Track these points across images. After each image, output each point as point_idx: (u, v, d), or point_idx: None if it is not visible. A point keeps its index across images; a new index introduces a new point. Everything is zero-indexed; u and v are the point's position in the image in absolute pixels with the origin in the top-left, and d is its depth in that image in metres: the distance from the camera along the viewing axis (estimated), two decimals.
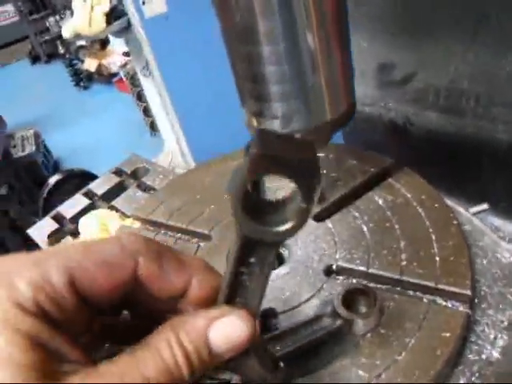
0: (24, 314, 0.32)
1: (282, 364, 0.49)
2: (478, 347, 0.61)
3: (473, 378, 0.58)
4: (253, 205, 0.38)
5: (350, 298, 0.59)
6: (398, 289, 0.66)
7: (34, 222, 3.46)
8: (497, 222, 1.00)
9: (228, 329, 0.38)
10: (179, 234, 0.82)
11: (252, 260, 0.41)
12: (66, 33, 2.96)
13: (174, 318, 0.38)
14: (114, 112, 5.07)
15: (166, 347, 0.35)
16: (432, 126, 1.16)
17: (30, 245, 3.30)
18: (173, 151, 2.50)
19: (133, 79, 4.21)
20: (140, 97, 4.23)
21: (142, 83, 3.27)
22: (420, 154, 1.22)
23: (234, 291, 0.41)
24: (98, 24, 2.85)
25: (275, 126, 0.61)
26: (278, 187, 0.66)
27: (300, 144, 0.37)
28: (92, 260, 0.37)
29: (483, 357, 0.60)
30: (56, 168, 4.43)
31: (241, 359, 0.42)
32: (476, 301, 0.66)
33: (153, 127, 4.33)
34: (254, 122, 0.63)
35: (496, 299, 0.67)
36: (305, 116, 0.60)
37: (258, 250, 0.40)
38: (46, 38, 6.55)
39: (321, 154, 0.88)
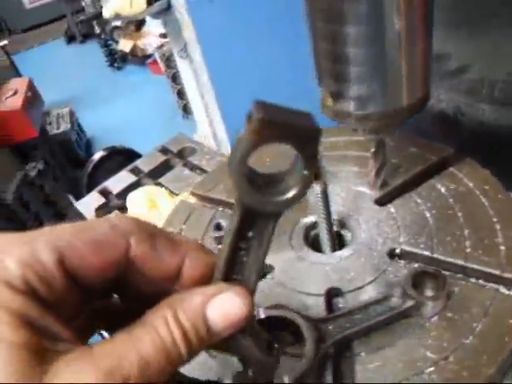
0: (13, 293, 0.31)
1: (276, 345, 0.48)
2: None
3: None
4: (254, 175, 0.37)
5: (418, 281, 0.60)
6: (461, 275, 0.66)
7: (66, 198, 3.52)
8: None
9: (226, 306, 0.37)
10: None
11: (251, 234, 0.40)
12: (107, 13, 2.98)
13: (171, 296, 0.37)
14: (146, 93, 5.10)
15: (163, 324, 0.34)
16: (484, 118, 1.15)
17: (61, 219, 3.36)
18: (205, 134, 2.52)
19: (168, 61, 4.23)
20: (175, 79, 4.25)
21: (178, 65, 3.28)
22: (470, 146, 1.21)
23: (231, 268, 0.41)
24: (139, 5, 2.87)
25: (351, 107, 0.62)
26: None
27: (301, 115, 0.36)
28: (82, 239, 0.36)
29: None
30: (88, 146, 4.50)
31: (237, 339, 0.41)
32: None
33: (186, 110, 4.35)
34: (330, 102, 0.64)
35: None
36: (382, 99, 0.61)
37: (257, 223, 0.39)
38: (82, 17, 6.60)
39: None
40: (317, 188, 0.66)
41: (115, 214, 1.36)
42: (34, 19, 7.58)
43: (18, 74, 4.19)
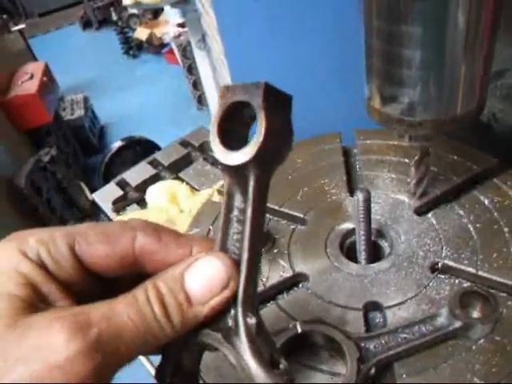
0: (26, 260, 0.38)
1: (283, 362, 0.40)
2: None
3: None
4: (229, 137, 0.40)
5: (465, 300, 0.57)
6: (505, 295, 0.63)
7: (78, 185, 3.51)
8: None
9: (204, 267, 0.38)
10: (270, 215, 0.80)
11: (240, 203, 0.41)
12: (127, 0, 2.95)
13: None
14: (161, 83, 5.07)
15: (142, 291, 0.37)
16: None
17: (71, 206, 3.34)
18: None
19: (184, 51, 4.19)
20: (190, 69, 4.21)
21: (196, 56, 3.24)
22: (502, 152, 1.17)
23: (225, 240, 0.41)
24: None
25: (403, 112, 0.59)
26: None
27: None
28: (93, 229, 0.41)
29: None
30: (101, 134, 4.48)
31: (225, 323, 0.39)
32: None
33: (200, 101, 4.32)
34: (379, 105, 0.61)
35: None
36: (436, 106, 0.58)
37: (242, 188, 0.41)
38: (99, 4, 6.58)
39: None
40: (359, 195, 0.63)
41: (133, 207, 1.33)
42: (51, 4, 7.55)
43: (34, 58, 4.17)
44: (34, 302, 0.36)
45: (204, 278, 0.38)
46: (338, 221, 0.74)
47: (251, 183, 0.40)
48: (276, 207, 0.79)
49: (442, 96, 0.56)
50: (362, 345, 0.55)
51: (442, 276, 0.66)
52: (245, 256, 0.40)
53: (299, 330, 0.56)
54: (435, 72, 0.55)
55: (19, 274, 0.37)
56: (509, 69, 1.12)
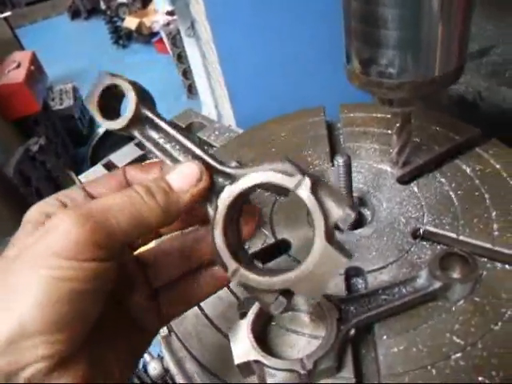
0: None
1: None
2: None
3: None
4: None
5: (445, 263, 0.57)
6: (486, 259, 0.63)
7: (68, 175, 3.49)
8: None
9: (181, 168, 0.43)
10: None
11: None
12: None
13: None
14: (151, 72, 5.02)
15: (131, 188, 0.41)
16: (505, 102, 1.11)
17: None
18: (211, 114, 2.47)
19: (174, 40, 4.16)
20: (180, 58, 4.19)
21: (185, 44, 3.22)
22: (488, 131, 1.18)
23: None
24: None
25: (382, 75, 0.58)
26: None
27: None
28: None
29: None
30: (91, 124, 4.45)
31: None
32: None
33: (191, 90, 4.30)
34: (357, 68, 0.60)
35: None
36: (415, 68, 0.57)
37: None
38: None
39: None
40: (339, 161, 0.62)
41: None
42: None
43: (21, 48, 4.12)
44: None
45: (181, 173, 0.43)
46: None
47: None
48: None
49: (420, 57, 0.56)
50: (343, 306, 0.55)
51: (424, 242, 0.66)
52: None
53: None
54: (412, 32, 0.54)
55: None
56: (493, 46, 1.12)
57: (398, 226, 0.67)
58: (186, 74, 4.23)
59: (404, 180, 0.74)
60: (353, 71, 0.62)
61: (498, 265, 0.61)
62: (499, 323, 0.54)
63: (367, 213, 0.72)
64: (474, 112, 1.18)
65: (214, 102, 2.69)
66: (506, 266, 0.61)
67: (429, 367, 0.52)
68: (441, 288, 0.55)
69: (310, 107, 0.93)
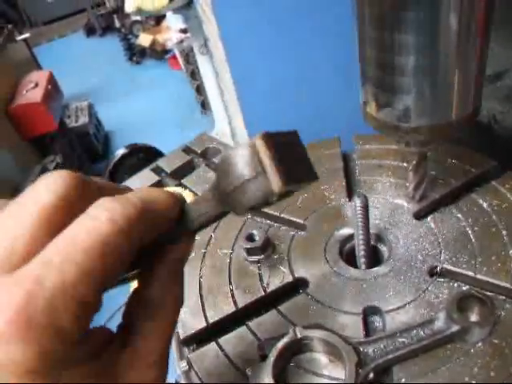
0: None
1: None
2: None
3: None
4: None
5: (463, 304, 0.57)
6: (504, 298, 0.63)
7: None
8: None
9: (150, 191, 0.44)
10: (270, 221, 0.81)
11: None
12: (129, 7, 2.97)
13: None
14: (165, 89, 5.09)
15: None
16: None
17: None
18: (224, 131, 2.49)
19: (187, 56, 4.21)
20: (193, 75, 4.23)
21: (198, 61, 3.25)
22: (503, 155, 1.17)
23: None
24: (162, 0, 2.84)
25: (398, 119, 0.59)
26: None
27: None
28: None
29: None
30: (106, 140, 4.51)
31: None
32: None
33: (204, 106, 4.34)
34: (374, 112, 0.61)
35: None
36: (431, 112, 0.58)
37: None
38: (102, 11, 6.61)
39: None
40: (357, 201, 0.63)
41: None
42: (56, 12, 7.61)
43: (39, 67, 4.20)
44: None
45: (149, 193, 0.42)
46: (338, 226, 0.75)
47: None
48: (276, 213, 0.80)
49: (436, 101, 0.57)
50: (361, 349, 0.56)
51: (441, 280, 0.66)
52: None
53: (298, 335, 0.57)
54: (428, 78, 0.55)
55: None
56: (508, 70, 1.12)
57: (415, 263, 0.67)
58: (200, 90, 4.27)
59: (420, 215, 0.75)
60: (369, 113, 0.63)
61: None
62: None
63: (384, 249, 0.72)
64: (489, 135, 1.18)
65: (228, 118, 2.71)
66: None
67: None
68: (459, 331, 0.56)
69: (325, 137, 0.94)
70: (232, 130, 2.55)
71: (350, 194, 0.82)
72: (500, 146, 1.19)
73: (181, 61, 4.40)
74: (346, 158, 0.91)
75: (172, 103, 4.83)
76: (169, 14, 3.64)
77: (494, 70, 1.14)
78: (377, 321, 0.64)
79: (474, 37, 0.54)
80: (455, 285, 0.65)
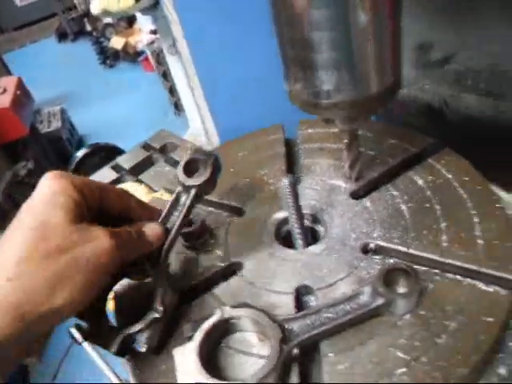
0: (76, 191, 0.57)
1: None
2: None
3: None
4: None
5: (390, 278, 0.57)
6: (437, 271, 0.63)
7: None
8: None
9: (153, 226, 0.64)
10: (211, 208, 0.81)
11: (182, 202, 0.69)
12: (95, 9, 2.94)
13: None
14: (139, 91, 5.05)
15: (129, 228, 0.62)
16: (470, 109, 1.12)
17: None
18: (197, 131, 2.48)
19: (159, 58, 4.19)
20: (166, 76, 4.21)
21: (169, 62, 3.24)
22: (456, 138, 1.18)
23: (165, 219, 0.68)
24: (127, 0, 2.82)
25: (318, 96, 0.59)
26: None
27: None
28: (111, 189, 0.66)
29: None
30: (80, 145, 4.46)
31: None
32: None
33: (177, 107, 4.32)
34: (297, 91, 0.61)
35: None
36: (350, 87, 0.58)
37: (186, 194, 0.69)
38: (74, 15, 6.54)
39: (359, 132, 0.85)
40: (284, 181, 0.63)
41: None
42: (26, 17, 7.51)
43: (9, 73, 4.15)
44: (80, 218, 0.56)
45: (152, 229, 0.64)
46: (275, 209, 0.75)
47: (191, 195, 0.67)
48: (215, 199, 0.79)
49: (353, 76, 0.57)
50: (287, 326, 0.55)
51: (375, 256, 0.66)
52: (173, 230, 0.66)
53: (225, 315, 0.56)
54: (342, 53, 0.55)
55: (72, 198, 0.56)
56: (455, 54, 1.13)
57: (348, 241, 0.67)
58: (172, 91, 4.25)
59: (358, 195, 0.75)
60: (292, 92, 0.62)
61: (449, 276, 0.62)
62: (443, 336, 0.55)
63: (321, 229, 0.72)
64: (442, 119, 1.19)
65: (201, 118, 2.70)
66: (454, 278, 0.62)
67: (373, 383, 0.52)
68: (384, 304, 0.56)
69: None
70: (206, 129, 2.54)
71: None
72: (452, 129, 1.20)
73: (153, 62, 4.38)
74: (290, 144, 0.91)
75: (146, 105, 4.79)
76: (139, 16, 3.62)
77: (443, 54, 1.15)
78: (311, 300, 0.64)
79: (384, 9, 0.54)
80: (390, 261, 0.66)
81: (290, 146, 0.90)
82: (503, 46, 1.03)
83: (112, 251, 0.56)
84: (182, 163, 0.68)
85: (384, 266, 0.64)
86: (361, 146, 0.81)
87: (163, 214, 0.67)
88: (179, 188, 0.68)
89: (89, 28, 5.56)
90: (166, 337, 0.62)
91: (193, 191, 0.67)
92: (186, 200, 0.67)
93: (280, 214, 0.73)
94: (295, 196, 0.64)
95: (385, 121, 1.32)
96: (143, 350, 0.60)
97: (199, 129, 2.50)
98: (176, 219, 0.67)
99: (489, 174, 1.02)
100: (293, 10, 0.54)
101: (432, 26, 1.15)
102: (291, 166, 0.84)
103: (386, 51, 0.57)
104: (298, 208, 0.66)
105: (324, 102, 0.59)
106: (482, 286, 0.60)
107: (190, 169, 0.68)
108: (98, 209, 0.61)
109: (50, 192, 0.56)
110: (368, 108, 0.61)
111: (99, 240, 0.55)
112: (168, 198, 0.93)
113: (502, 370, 0.56)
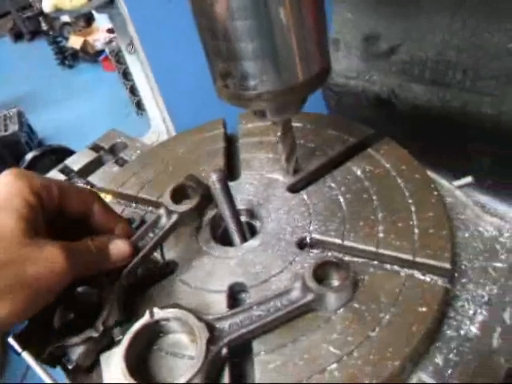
0: (33, 195, 0.54)
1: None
2: (457, 323, 0.58)
3: (450, 355, 0.55)
4: None
5: (322, 272, 0.56)
6: (375, 262, 0.62)
7: None
8: (483, 199, 0.98)
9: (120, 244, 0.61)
10: (150, 208, 0.78)
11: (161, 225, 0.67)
12: (46, 7, 2.86)
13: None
14: (100, 91, 4.96)
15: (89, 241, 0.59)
16: (417, 99, 1.12)
17: None
18: (159, 130, 2.44)
19: (118, 57, 4.12)
20: (126, 75, 4.14)
21: (128, 61, 3.17)
22: (405, 128, 1.19)
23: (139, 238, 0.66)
24: None
25: (240, 87, 0.57)
26: None
27: None
28: (74, 190, 0.62)
29: (461, 333, 0.57)
30: (40, 147, 4.35)
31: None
32: (456, 275, 0.63)
33: (139, 106, 4.25)
34: (222, 84, 0.59)
35: (477, 273, 0.63)
36: (273, 77, 0.56)
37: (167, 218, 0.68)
38: (29, 14, 6.34)
39: (298, 124, 0.84)
40: (213, 177, 0.61)
41: None
42: None
43: None
44: (33, 227, 0.52)
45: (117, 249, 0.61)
46: (212, 206, 0.72)
47: (171, 220, 0.66)
48: (154, 198, 0.77)
49: (276, 66, 0.55)
50: (218, 325, 0.54)
51: (312, 250, 0.65)
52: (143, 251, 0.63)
53: (154, 317, 0.54)
54: (263, 43, 0.53)
55: (27, 202, 0.53)
56: (401, 44, 1.13)
57: (284, 236, 0.66)
58: (133, 90, 4.18)
59: (297, 188, 0.73)
60: (218, 86, 0.60)
61: (384, 268, 0.61)
62: (376, 329, 0.53)
63: (258, 225, 0.71)
64: (391, 109, 1.19)
65: (162, 117, 2.65)
66: (391, 269, 0.61)
67: (304, 381, 0.50)
68: (315, 299, 0.54)
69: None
70: (167, 128, 2.51)
71: (232, 174, 0.80)
72: (402, 119, 1.21)
73: (113, 62, 4.30)
74: (233, 139, 0.89)
75: (107, 106, 4.71)
76: (96, 14, 3.54)
77: (388, 45, 1.15)
78: (246, 298, 0.62)
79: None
80: (328, 254, 0.64)
81: (232, 141, 0.88)
82: (445, 36, 1.03)
83: (64, 272, 0.52)
84: (171, 187, 0.67)
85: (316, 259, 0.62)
86: (300, 139, 0.80)
87: (138, 233, 0.65)
88: (162, 210, 0.66)
89: (45, 27, 5.40)
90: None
91: (174, 217, 0.65)
92: (165, 223, 0.66)
93: (215, 211, 0.71)
94: (226, 192, 0.62)
95: (335, 113, 1.32)
96: (70, 366, 0.57)
97: (161, 128, 2.46)
98: (149, 241, 0.64)
99: (437, 162, 1.02)
100: (211, 1, 0.52)
101: (378, 18, 1.15)
102: (231, 161, 0.82)
103: (309, 39, 0.55)
104: (230, 204, 0.64)
105: (247, 93, 0.57)
106: (419, 275, 0.59)
107: (178, 194, 0.67)
108: (56, 211, 0.58)
109: (4, 192, 0.53)
110: (295, 97, 0.59)
111: (51, 259, 0.51)
112: (109, 199, 0.90)
113: (438, 360, 0.55)
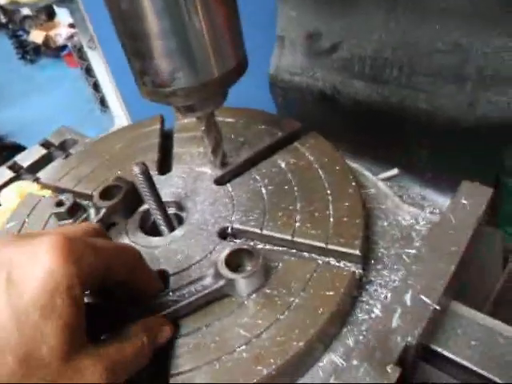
0: (80, 289, 0.44)
1: None
2: (369, 306, 0.62)
3: (360, 337, 0.58)
4: None
5: (236, 259, 0.59)
6: (294, 250, 0.66)
7: None
8: (423, 192, 1.02)
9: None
10: (86, 202, 0.80)
11: None
12: None
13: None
14: (62, 87, 4.90)
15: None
16: (358, 94, 1.16)
17: None
18: (123, 125, 2.44)
19: (80, 52, 4.07)
20: (89, 71, 4.10)
21: (90, 56, 3.13)
22: (348, 122, 1.22)
23: None
24: None
25: (153, 83, 0.60)
26: None
27: None
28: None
29: (372, 316, 0.60)
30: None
31: None
32: (372, 262, 0.66)
33: (103, 103, 4.22)
34: (141, 83, 0.61)
35: (392, 260, 0.67)
36: (189, 73, 0.59)
37: None
38: None
39: (231, 120, 0.87)
40: (135, 170, 0.63)
41: None
42: None
43: None
44: (77, 336, 0.44)
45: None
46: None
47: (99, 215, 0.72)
48: (89, 192, 0.79)
49: (189, 62, 0.57)
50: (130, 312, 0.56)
51: (235, 240, 0.68)
52: None
53: None
54: (175, 40, 0.55)
55: (74, 300, 0.43)
56: (341, 41, 1.16)
57: (206, 226, 0.68)
58: (97, 87, 4.14)
59: (224, 180, 0.76)
60: (138, 84, 0.63)
61: (299, 255, 0.65)
62: (286, 312, 0.56)
63: (185, 216, 0.73)
64: (334, 105, 1.23)
65: (125, 113, 2.65)
66: (305, 256, 0.64)
67: (214, 362, 0.53)
68: (226, 284, 0.57)
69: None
70: (129, 123, 2.51)
71: (165, 168, 0.82)
72: (345, 114, 1.24)
73: (75, 57, 4.25)
74: (169, 135, 0.91)
75: (70, 102, 4.66)
76: (58, 8, 3.48)
77: (330, 42, 1.18)
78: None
79: None
80: (245, 243, 0.67)
81: (169, 137, 0.90)
82: (382, 35, 1.07)
83: None
84: (100, 188, 0.73)
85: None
86: (231, 133, 0.82)
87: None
88: (92, 210, 0.73)
89: (3, 20, 5.29)
90: None
91: (102, 211, 0.71)
92: (93, 219, 0.71)
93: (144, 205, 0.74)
94: (150, 183, 0.65)
95: (281, 110, 1.35)
96: None
97: (125, 124, 2.45)
98: None
99: (379, 154, 1.06)
100: (126, 5, 0.54)
101: (319, 16, 1.18)
102: (165, 156, 0.85)
103: (221, 35, 0.58)
104: (155, 195, 0.66)
105: (162, 90, 0.59)
106: (334, 262, 0.63)
107: (108, 194, 0.72)
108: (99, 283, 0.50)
109: (47, 285, 0.42)
110: (210, 93, 0.62)
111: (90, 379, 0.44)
112: (47, 194, 0.92)
113: (349, 341, 0.59)
